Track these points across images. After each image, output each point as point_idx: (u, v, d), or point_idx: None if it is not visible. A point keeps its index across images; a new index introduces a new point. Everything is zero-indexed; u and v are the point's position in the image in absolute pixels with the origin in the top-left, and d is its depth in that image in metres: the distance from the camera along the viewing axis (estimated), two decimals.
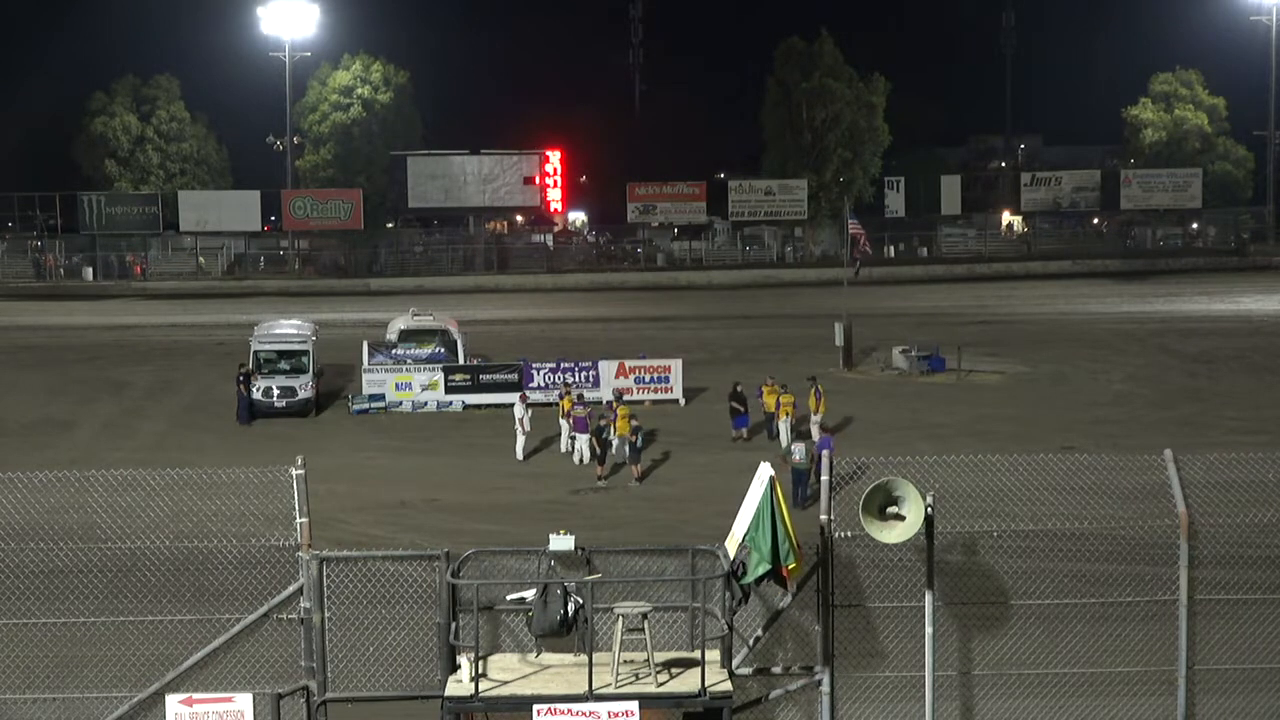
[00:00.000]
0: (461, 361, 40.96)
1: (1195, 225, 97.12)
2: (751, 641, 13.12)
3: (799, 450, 28.81)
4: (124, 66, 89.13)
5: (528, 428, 33.37)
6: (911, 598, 13.07)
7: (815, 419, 33.67)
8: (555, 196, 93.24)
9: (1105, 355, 48.45)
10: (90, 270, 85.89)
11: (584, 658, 12.23)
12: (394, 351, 41.12)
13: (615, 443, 31.81)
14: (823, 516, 12.97)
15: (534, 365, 40.04)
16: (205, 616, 13.01)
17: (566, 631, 12.53)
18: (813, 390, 34.47)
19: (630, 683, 12.22)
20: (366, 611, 12.81)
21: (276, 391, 38.85)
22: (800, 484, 27.90)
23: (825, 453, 13.50)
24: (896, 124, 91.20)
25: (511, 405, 34.81)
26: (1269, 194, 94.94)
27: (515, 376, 39.34)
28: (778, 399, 34.26)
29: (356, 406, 39.46)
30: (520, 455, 33.25)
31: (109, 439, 36.39)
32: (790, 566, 12.45)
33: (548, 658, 12.83)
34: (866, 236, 50.33)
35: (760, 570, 12.34)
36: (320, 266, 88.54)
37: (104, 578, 13.39)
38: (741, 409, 35.05)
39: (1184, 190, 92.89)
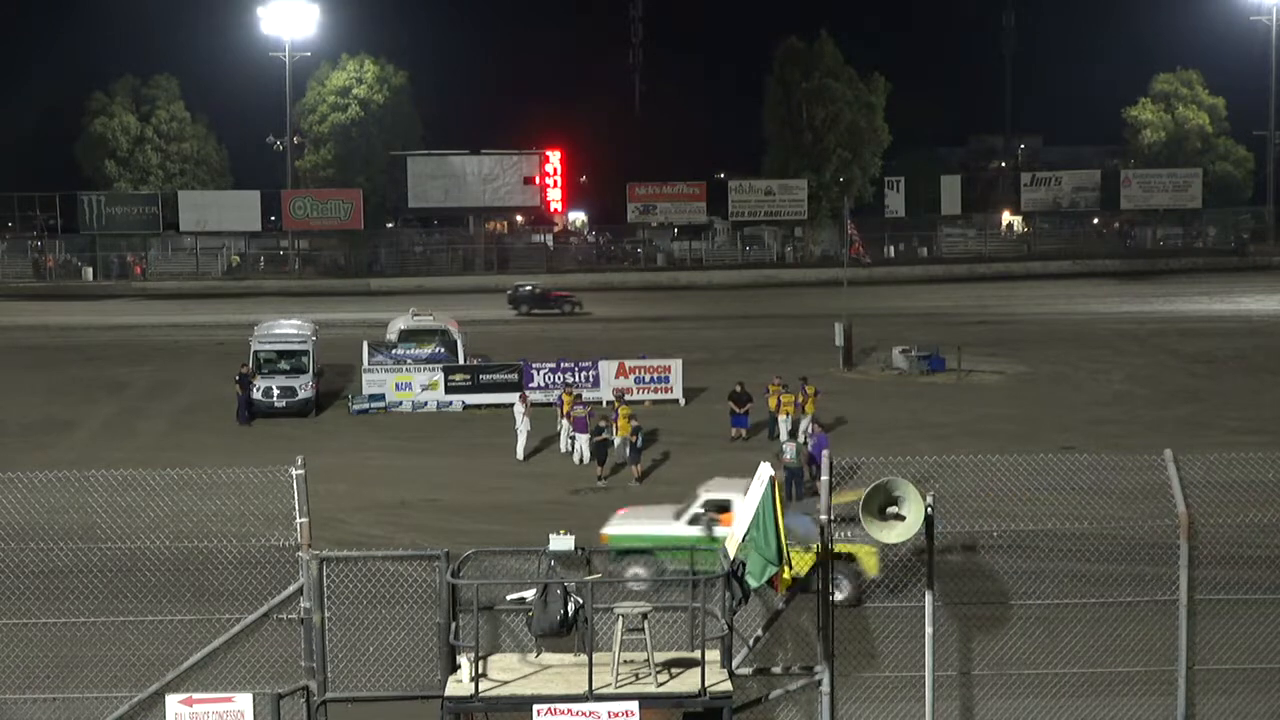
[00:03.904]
0: (461, 361, 40.95)
1: (1195, 227, 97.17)
2: (751, 641, 13.12)
3: (790, 449, 28.85)
4: (124, 66, 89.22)
5: (528, 427, 33.38)
6: (911, 598, 13.08)
7: (805, 419, 33.72)
8: (555, 196, 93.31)
9: (1105, 355, 48.46)
10: (90, 270, 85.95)
11: (584, 658, 12.22)
12: (394, 351, 41.11)
13: (616, 443, 31.83)
14: (823, 516, 12.98)
15: (534, 365, 40.04)
16: (205, 616, 13.02)
17: (566, 631, 12.52)
18: (799, 390, 34.57)
19: (630, 683, 12.21)
20: (366, 611, 12.81)
21: (276, 391, 38.84)
22: (794, 483, 27.90)
23: (825, 453, 13.49)
24: (896, 124, 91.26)
25: (511, 405, 34.81)
26: (1269, 194, 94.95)
27: (515, 376, 39.33)
28: (779, 398, 34.36)
29: (356, 406, 39.45)
30: (520, 455, 33.26)
31: (109, 439, 36.38)
32: (784, 576, 12.46)
33: (548, 658, 12.82)
34: (862, 239, 50.46)
35: (769, 573, 12.36)
36: (320, 266, 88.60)
37: (104, 578, 13.41)
38: (737, 409, 35.02)
39: (1184, 190, 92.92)
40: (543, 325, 60.55)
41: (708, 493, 23.31)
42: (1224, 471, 14.02)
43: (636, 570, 19.35)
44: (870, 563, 19.43)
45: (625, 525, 23.45)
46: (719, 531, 21.88)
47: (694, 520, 22.62)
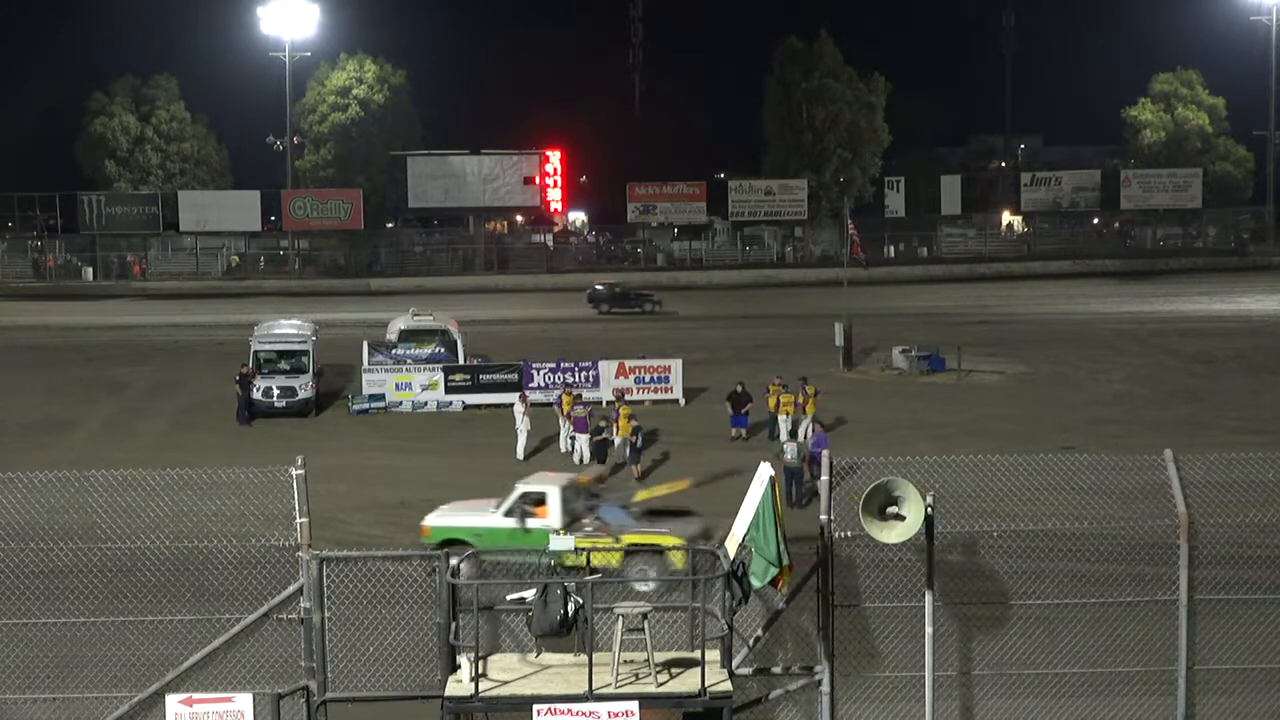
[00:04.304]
0: (461, 361, 40.95)
1: (1195, 227, 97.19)
2: (751, 641, 13.13)
3: (791, 449, 28.87)
4: (124, 66, 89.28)
5: (528, 427, 33.39)
6: (911, 598, 13.08)
7: (805, 419, 33.72)
8: (555, 196, 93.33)
9: (1105, 355, 48.46)
10: (90, 270, 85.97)
11: (584, 658, 12.22)
12: (394, 351, 41.11)
13: (616, 443, 31.83)
14: (823, 516, 12.98)
15: (534, 365, 40.03)
16: (205, 616, 13.02)
17: (566, 631, 12.53)
18: (799, 390, 34.59)
19: (630, 683, 12.21)
20: (366, 611, 12.82)
21: (276, 391, 38.83)
22: (794, 483, 27.91)
23: (824, 452, 13.48)
24: (896, 124, 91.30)
25: (511, 405, 34.82)
26: (1269, 194, 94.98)
27: (515, 376, 39.32)
28: (779, 398, 34.36)
29: (356, 406, 39.45)
30: (520, 455, 33.26)
31: (109, 439, 36.37)
32: (785, 577, 12.47)
33: (548, 658, 12.82)
34: (860, 238, 50.50)
35: (771, 574, 12.37)
36: (320, 266, 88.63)
37: (104, 578, 13.41)
38: (733, 410, 34.99)
39: (1184, 190, 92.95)
40: (543, 325, 60.54)
41: (525, 485, 23.71)
42: (1224, 471, 14.03)
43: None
44: (677, 556, 19.94)
45: (445, 517, 23.90)
46: (532, 523, 22.26)
47: (509, 512, 22.94)
